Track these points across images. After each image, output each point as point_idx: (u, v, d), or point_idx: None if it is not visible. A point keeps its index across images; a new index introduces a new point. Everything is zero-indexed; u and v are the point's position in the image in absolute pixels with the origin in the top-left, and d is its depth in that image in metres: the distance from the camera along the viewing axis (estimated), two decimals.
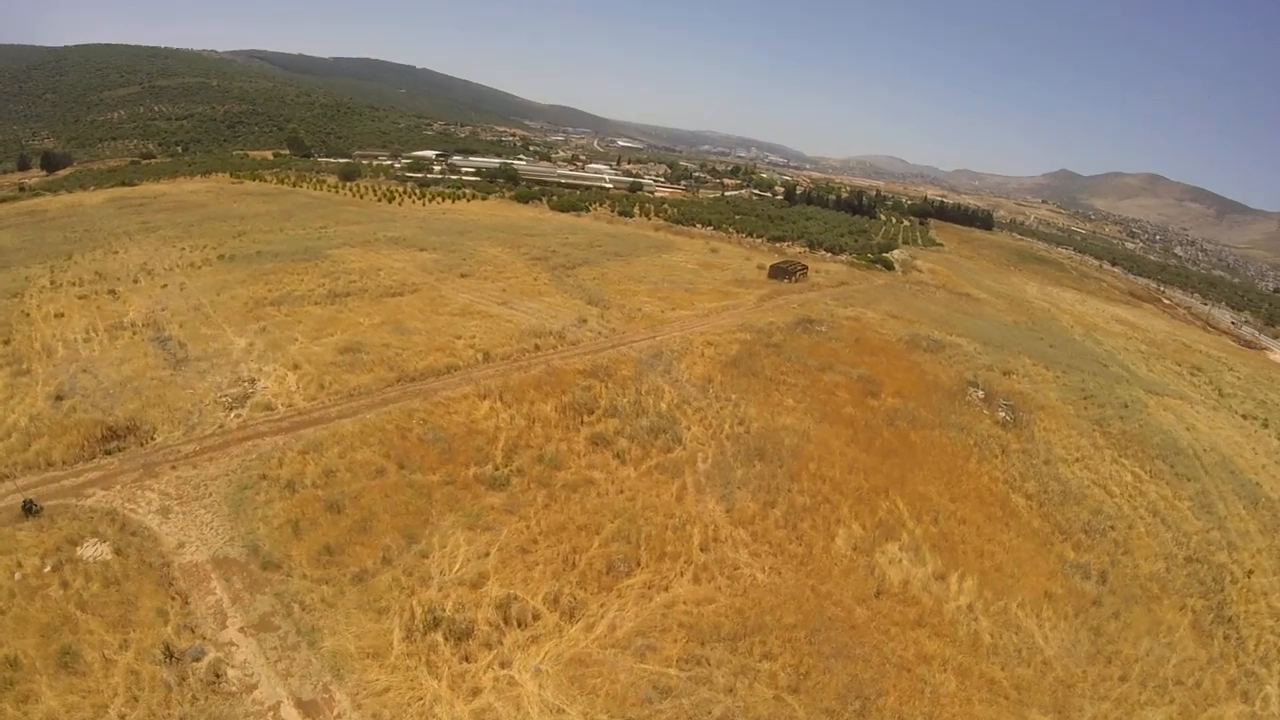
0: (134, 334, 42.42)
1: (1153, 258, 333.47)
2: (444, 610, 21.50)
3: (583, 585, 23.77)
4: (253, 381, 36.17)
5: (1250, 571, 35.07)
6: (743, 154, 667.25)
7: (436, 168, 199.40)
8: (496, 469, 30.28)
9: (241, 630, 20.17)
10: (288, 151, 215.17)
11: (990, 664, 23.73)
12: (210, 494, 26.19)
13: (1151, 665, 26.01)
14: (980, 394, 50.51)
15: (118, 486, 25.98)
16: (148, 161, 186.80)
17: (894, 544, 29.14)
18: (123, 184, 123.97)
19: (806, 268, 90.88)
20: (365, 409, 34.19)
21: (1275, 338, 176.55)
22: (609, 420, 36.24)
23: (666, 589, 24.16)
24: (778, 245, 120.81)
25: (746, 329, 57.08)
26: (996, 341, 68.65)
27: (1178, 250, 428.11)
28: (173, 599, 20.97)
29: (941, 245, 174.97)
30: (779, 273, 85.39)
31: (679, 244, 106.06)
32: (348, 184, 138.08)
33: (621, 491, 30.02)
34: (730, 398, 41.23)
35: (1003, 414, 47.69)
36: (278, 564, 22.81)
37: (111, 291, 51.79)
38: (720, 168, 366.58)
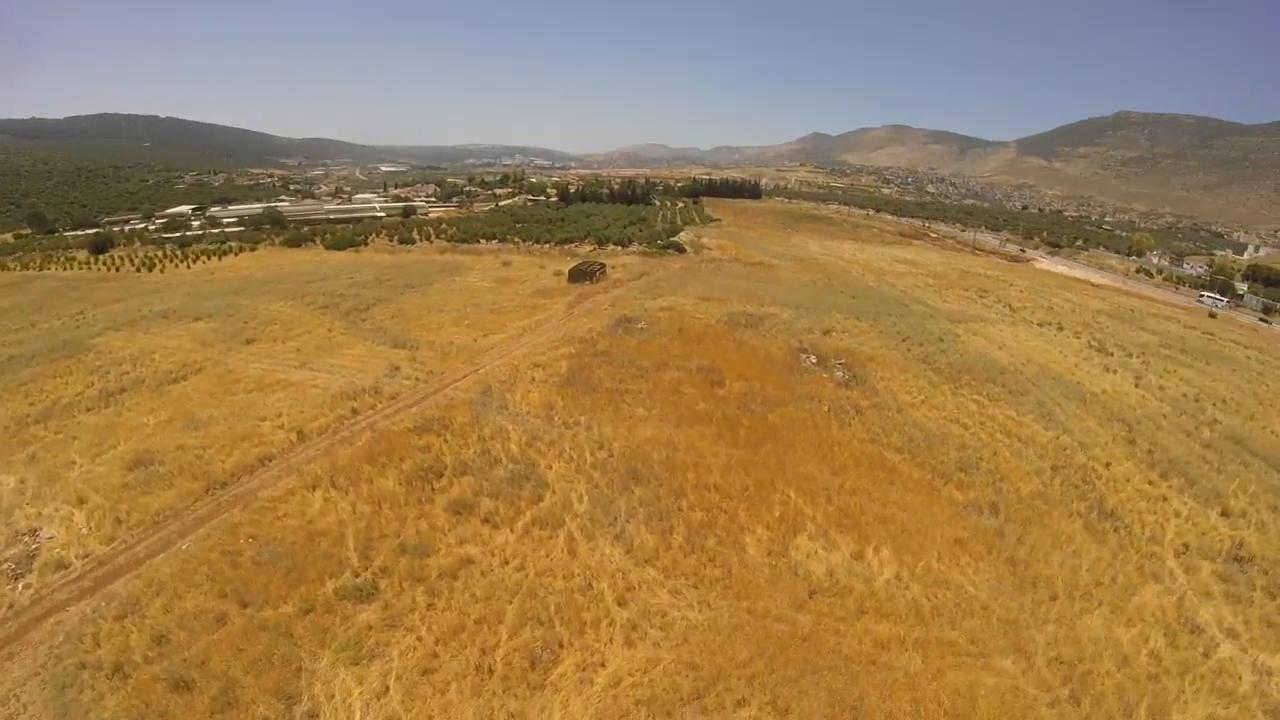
0: None
1: (909, 199, 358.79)
2: None
3: (511, 692, 20.19)
4: (34, 533, 28.39)
5: (1108, 463, 37.58)
6: (508, 162, 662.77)
7: (195, 223, 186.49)
8: (356, 575, 25.29)
9: None
10: (29, 230, 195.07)
11: (941, 628, 23.09)
12: (26, 707, 19.77)
13: (1069, 576, 26.73)
14: (813, 359, 50.89)
15: None
16: None
17: (802, 536, 27.92)
18: None
19: (604, 265, 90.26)
20: (177, 537, 27.62)
21: (1035, 249, 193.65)
22: (462, 480, 32.40)
23: (603, 664, 21.30)
24: (567, 247, 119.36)
25: (568, 341, 54.82)
26: (806, 304, 70.32)
27: (930, 188, 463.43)
28: None
29: (719, 220, 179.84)
30: (579, 275, 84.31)
31: (469, 264, 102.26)
32: (100, 257, 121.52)
33: (506, 563, 26.52)
34: (580, 421, 38.81)
35: (840, 374, 48.15)
36: None
37: None
38: (489, 179, 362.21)
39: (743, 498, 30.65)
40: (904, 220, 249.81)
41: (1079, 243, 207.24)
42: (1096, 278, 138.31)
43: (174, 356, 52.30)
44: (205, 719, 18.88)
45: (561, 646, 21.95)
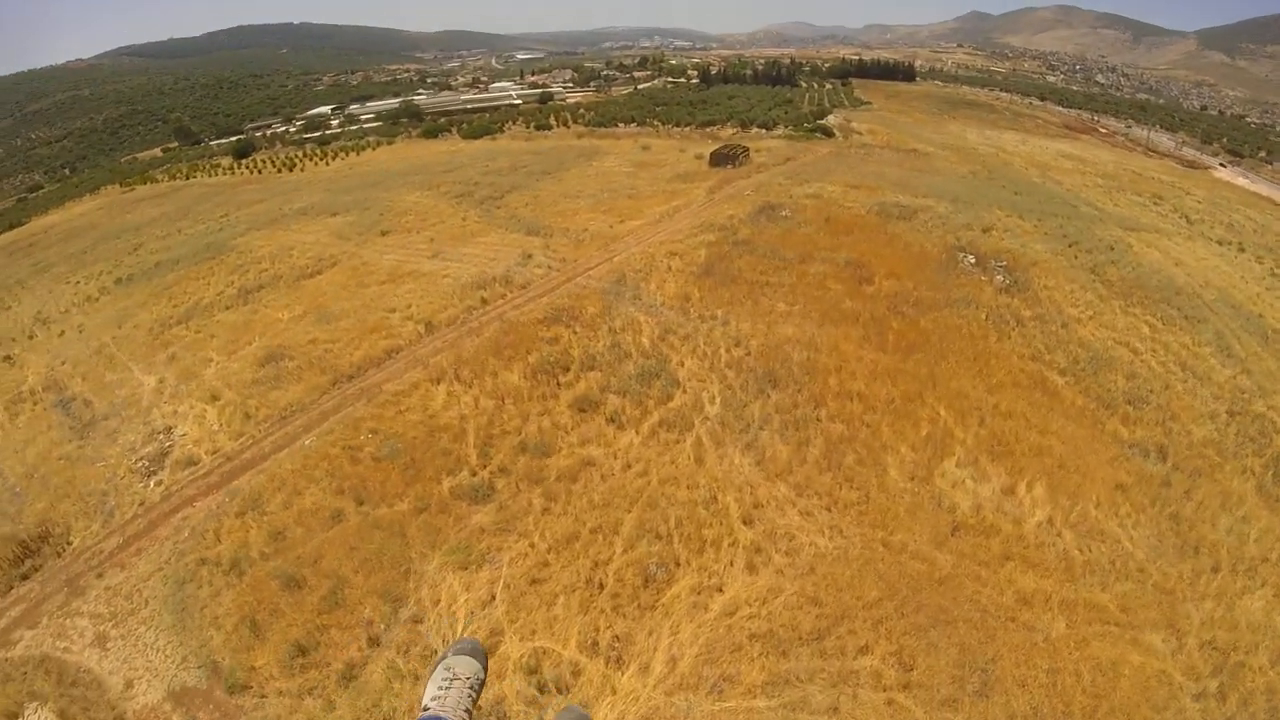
0: (35, 403, 35.59)
1: (1076, 88, 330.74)
2: None
3: (620, 611, 19.08)
4: (169, 431, 29.79)
5: None
6: (647, 44, 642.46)
7: (334, 122, 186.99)
8: (474, 474, 24.60)
9: None
10: (176, 144, 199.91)
11: (1091, 588, 20.55)
12: (148, 602, 20.41)
13: (1235, 545, 23.27)
14: (971, 259, 47.04)
15: (44, 621, 20.35)
16: (35, 194, 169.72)
17: (950, 461, 25.52)
18: (10, 226, 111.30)
19: (748, 149, 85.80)
20: (303, 431, 28.08)
21: (1214, 155, 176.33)
22: (589, 375, 31.17)
23: (720, 589, 19.94)
24: (708, 130, 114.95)
25: (708, 228, 52.28)
26: (964, 198, 65.09)
27: (1099, 78, 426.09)
28: None
29: (870, 104, 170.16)
30: (721, 159, 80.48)
31: (606, 148, 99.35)
32: (243, 162, 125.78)
33: (629, 467, 25.20)
34: (716, 315, 36.88)
35: (1000, 278, 44.37)
36: (245, 683, 17.56)
37: (6, 357, 43.49)
38: (627, 62, 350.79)
39: (888, 410, 28.38)
40: (1070, 112, 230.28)
41: (1262, 154, 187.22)
42: None
43: (310, 252, 53.27)
44: (313, 618, 18.94)
45: (678, 565, 20.77)
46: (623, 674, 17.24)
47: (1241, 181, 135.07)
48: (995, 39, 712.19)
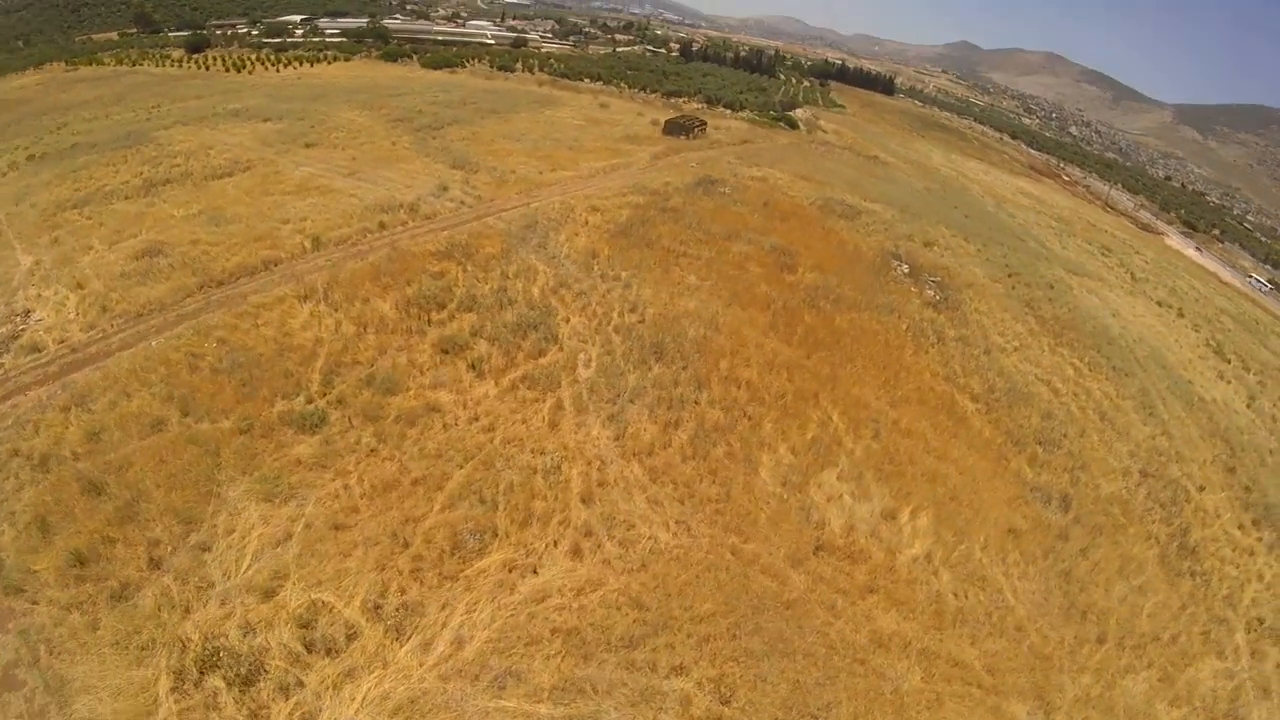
0: None
1: (1049, 134, 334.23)
2: (225, 639, 14.61)
3: (417, 576, 16.69)
4: (26, 314, 27.84)
5: (1202, 487, 31.26)
6: (636, 10, 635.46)
7: (299, 32, 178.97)
8: (310, 401, 22.38)
9: None
10: (135, 30, 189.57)
11: (958, 639, 18.06)
12: None
13: (1126, 616, 21.25)
14: (905, 268, 44.55)
15: None
16: None
17: (831, 471, 22.72)
18: None
19: (705, 123, 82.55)
20: (154, 332, 25.87)
21: (1169, 223, 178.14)
22: (464, 316, 28.40)
23: (535, 571, 17.26)
24: (673, 101, 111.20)
25: (639, 190, 49.26)
26: (913, 209, 62.78)
27: (1073, 129, 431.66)
28: None
29: (844, 107, 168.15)
30: (675, 128, 77.07)
31: (564, 99, 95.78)
32: (194, 57, 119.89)
33: (476, 419, 22.55)
34: (620, 276, 33.84)
35: (931, 292, 41.91)
36: (20, 586, 15.89)
37: None
38: (612, 24, 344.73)
39: (775, 405, 25.46)
40: (1038, 154, 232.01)
41: (1216, 231, 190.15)
42: (1226, 274, 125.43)
43: (229, 153, 50.81)
44: (102, 528, 17.19)
45: (496, 536, 18.03)
46: (400, 647, 15.01)
47: (1191, 252, 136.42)
48: (980, 72, 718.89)
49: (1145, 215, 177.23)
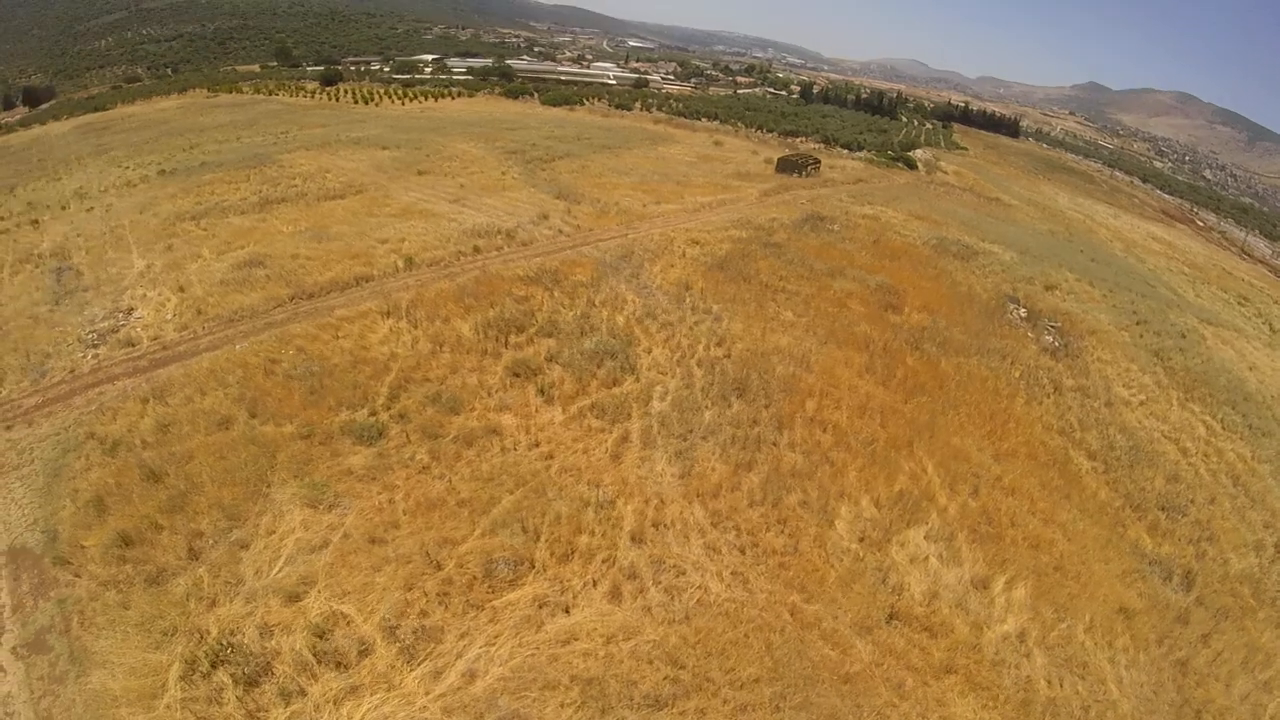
0: (36, 266, 36.59)
1: (1181, 178, 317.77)
2: (241, 636, 14.35)
3: (443, 600, 15.64)
4: (129, 311, 29.86)
5: None
6: (759, 54, 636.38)
7: (427, 70, 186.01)
8: (373, 414, 22.21)
9: (14, 651, 14.70)
10: (275, 63, 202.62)
11: None
12: (33, 461, 20.25)
13: (1246, 719, 17.99)
14: (1022, 312, 41.49)
15: None
16: (131, 85, 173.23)
17: (918, 530, 20.30)
18: (96, 109, 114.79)
19: (819, 161, 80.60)
20: (241, 337, 26.97)
21: None
22: (542, 341, 27.63)
23: (567, 610, 15.82)
24: (790, 141, 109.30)
25: (743, 225, 47.91)
26: (1034, 251, 59.08)
27: (1206, 173, 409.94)
28: None
29: (966, 149, 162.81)
30: (788, 166, 75.49)
31: (679, 136, 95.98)
32: (327, 90, 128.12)
33: (536, 445, 21.49)
34: (711, 309, 32.36)
35: (1050, 338, 38.83)
36: (68, 559, 16.70)
37: (34, 221, 45.40)
38: (734, 67, 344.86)
39: (863, 453, 23.24)
40: (1170, 199, 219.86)
41: None
42: None
43: (344, 177, 53.69)
44: (152, 513, 17.69)
45: (532, 568, 16.81)
46: (411, 671, 14.11)
47: None
48: (1109, 114, 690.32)
49: None
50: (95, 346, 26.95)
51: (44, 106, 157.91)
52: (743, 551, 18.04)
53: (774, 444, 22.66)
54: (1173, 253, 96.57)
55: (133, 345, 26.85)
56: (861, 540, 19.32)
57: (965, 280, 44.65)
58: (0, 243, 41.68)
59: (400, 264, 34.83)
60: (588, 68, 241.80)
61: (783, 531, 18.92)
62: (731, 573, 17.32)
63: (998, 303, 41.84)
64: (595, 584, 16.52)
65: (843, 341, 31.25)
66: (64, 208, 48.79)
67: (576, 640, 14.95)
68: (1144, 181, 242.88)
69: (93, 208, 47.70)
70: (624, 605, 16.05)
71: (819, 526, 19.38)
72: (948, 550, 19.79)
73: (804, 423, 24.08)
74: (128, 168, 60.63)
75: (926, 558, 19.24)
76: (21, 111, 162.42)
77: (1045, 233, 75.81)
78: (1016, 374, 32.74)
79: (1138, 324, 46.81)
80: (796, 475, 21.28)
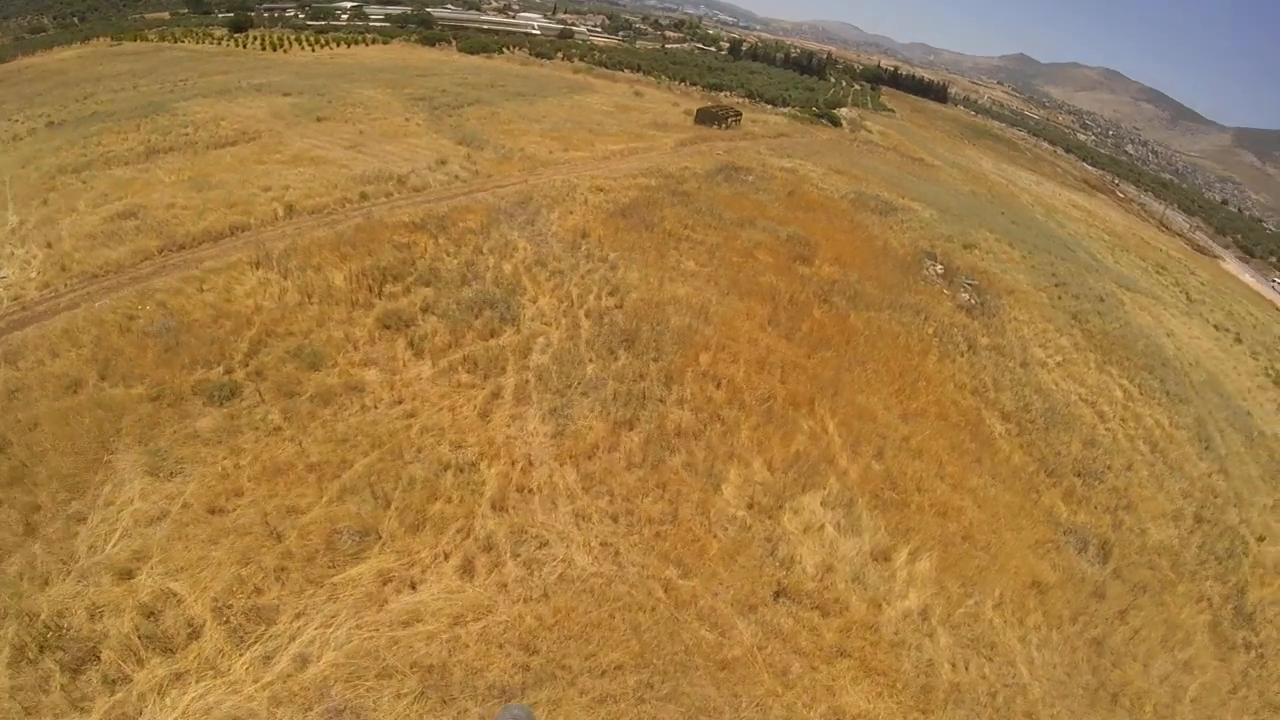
0: None
1: (1104, 151, 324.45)
2: (70, 618, 12.61)
3: (280, 576, 13.53)
4: None
5: (1262, 537, 26.55)
6: (691, 11, 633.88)
7: (344, 16, 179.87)
8: (229, 372, 19.72)
9: None
10: (187, 10, 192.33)
11: None
12: None
13: (1166, 702, 16.81)
14: (939, 268, 40.12)
15: None
16: (34, 36, 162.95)
17: (814, 495, 18.30)
18: None
19: (740, 114, 78.37)
20: (104, 293, 24.43)
21: (1225, 248, 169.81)
22: (420, 291, 25.11)
23: (413, 586, 13.66)
24: (714, 95, 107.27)
25: (652, 174, 45.57)
26: (955, 210, 58.12)
27: (1129, 148, 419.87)
28: None
29: (893, 111, 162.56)
30: (707, 117, 73.26)
31: (598, 86, 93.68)
32: (236, 37, 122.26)
33: (399, 403, 19.16)
34: (608, 257, 30.07)
35: (966, 295, 37.51)
36: None
37: None
38: (664, 21, 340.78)
39: (758, 410, 21.22)
40: (1092, 169, 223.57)
41: (1275, 259, 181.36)
42: None
43: (238, 125, 50.56)
44: None
45: (379, 539, 14.56)
46: (240, 656, 12.20)
47: (1248, 278, 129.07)
48: (1036, 86, 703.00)
49: (1201, 237, 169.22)
50: None
51: None
52: (615, 520, 15.89)
53: (660, 400, 20.48)
54: (1093, 220, 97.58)
55: None
56: (750, 507, 17.25)
57: (882, 235, 43.08)
58: None
59: (280, 212, 32.45)
60: (513, 18, 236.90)
61: (662, 497, 16.78)
62: (600, 544, 15.17)
63: (915, 258, 40.37)
64: (446, 557, 14.33)
65: (746, 293, 29.21)
66: None
67: (421, 621, 12.93)
68: (1067, 152, 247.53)
69: None
70: (476, 581, 13.91)
71: (703, 492, 17.26)
72: (846, 518, 17.85)
73: (695, 378, 21.94)
74: (16, 120, 57.00)
75: (822, 526, 17.27)
76: None
77: (967, 194, 75.26)
78: (930, 330, 31.21)
79: (1056, 285, 46.09)
80: (682, 435, 19.15)
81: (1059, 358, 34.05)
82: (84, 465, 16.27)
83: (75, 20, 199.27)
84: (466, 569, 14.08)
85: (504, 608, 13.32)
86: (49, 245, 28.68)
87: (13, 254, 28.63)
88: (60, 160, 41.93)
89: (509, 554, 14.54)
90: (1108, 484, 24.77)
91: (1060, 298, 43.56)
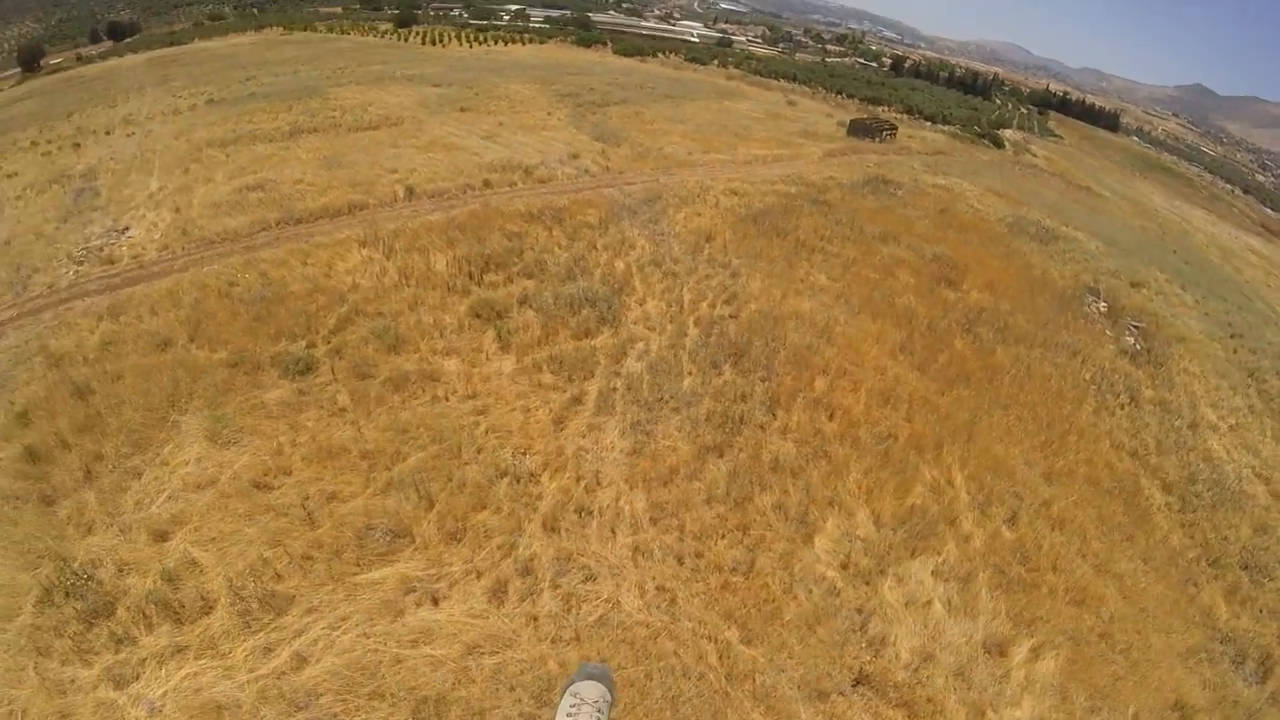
0: (63, 186, 37.35)
1: None
2: (99, 570, 12.88)
3: (305, 566, 12.77)
4: (124, 231, 29.69)
5: None
6: (854, 25, 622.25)
7: (505, 16, 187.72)
8: (310, 346, 19.79)
9: None
10: (359, 5, 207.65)
11: None
12: None
13: None
14: (1102, 306, 35.99)
15: None
16: (213, 22, 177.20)
17: (926, 561, 15.39)
18: (173, 44, 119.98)
19: (895, 128, 74.49)
20: (216, 259, 25.80)
21: None
22: (521, 282, 24.00)
23: (435, 601, 12.14)
24: (870, 109, 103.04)
25: (793, 181, 43.06)
26: (1123, 245, 53.03)
27: None
28: None
29: (1060, 137, 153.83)
30: (860, 129, 69.95)
31: (750, 93, 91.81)
32: (400, 31, 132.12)
33: (472, 397, 17.88)
34: (730, 263, 27.89)
35: (1131, 339, 33.36)
36: None
37: (76, 145, 46.92)
38: (826, 35, 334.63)
39: (875, 451, 18.41)
40: (1271, 213, 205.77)
41: None
42: None
43: (384, 110, 52.86)
44: (66, 431, 16.53)
45: (412, 544, 13.43)
46: (243, 641, 11.68)
47: None
48: (1213, 120, 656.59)
49: None
50: (80, 263, 26.70)
51: (126, 41, 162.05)
52: (679, 561, 13.65)
53: (760, 426, 18.06)
54: (1272, 268, 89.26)
55: (112, 263, 26.39)
56: (844, 567, 14.54)
57: (1040, 264, 39.10)
58: (39, 163, 43.07)
59: (400, 193, 33.31)
60: (673, 26, 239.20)
61: (740, 541, 14.36)
62: (656, 587, 12.98)
63: (1075, 292, 36.29)
64: (479, 575, 12.74)
65: (878, 314, 26.41)
66: (108, 133, 49.87)
67: (432, 643, 11.45)
68: (1245, 193, 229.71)
69: (133, 133, 48.79)
70: (504, 608, 12.21)
71: (791, 541, 14.67)
72: (961, 595, 14.88)
73: (806, 404, 19.40)
74: (180, 97, 61.75)
75: (929, 602, 14.33)
76: (106, 45, 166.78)
77: (1137, 228, 69.41)
78: (1087, 376, 27.50)
79: (1232, 337, 40.97)
80: (779, 470, 16.63)
81: (1232, 420, 29.61)
82: (152, 422, 16.65)
83: (254, 11, 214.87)
84: (497, 592, 12.47)
85: (527, 645, 11.56)
86: (177, 210, 31.14)
87: (144, 216, 31.19)
88: (210, 134, 45.32)
89: (548, 583, 12.74)
90: (1278, 582, 20.82)
91: (1236, 351, 38.61)
